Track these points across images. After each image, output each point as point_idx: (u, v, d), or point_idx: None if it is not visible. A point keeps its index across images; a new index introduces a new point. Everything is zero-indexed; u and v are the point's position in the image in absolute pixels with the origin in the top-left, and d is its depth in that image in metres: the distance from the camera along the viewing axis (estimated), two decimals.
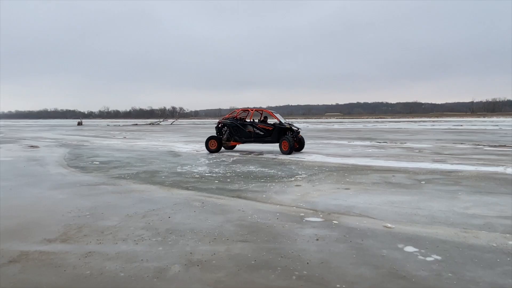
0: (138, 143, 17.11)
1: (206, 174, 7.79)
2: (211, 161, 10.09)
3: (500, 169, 8.05)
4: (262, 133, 12.22)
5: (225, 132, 12.68)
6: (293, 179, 7.20)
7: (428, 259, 3.20)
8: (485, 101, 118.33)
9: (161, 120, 67.16)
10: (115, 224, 4.27)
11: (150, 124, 56.90)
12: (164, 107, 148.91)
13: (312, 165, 9.15)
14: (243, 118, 13.03)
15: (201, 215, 4.60)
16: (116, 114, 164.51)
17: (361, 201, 5.29)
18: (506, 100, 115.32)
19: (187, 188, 6.32)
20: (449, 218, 4.40)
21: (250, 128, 12.42)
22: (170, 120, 68.62)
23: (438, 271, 2.95)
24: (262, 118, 12.99)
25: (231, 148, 13.37)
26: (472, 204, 5.09)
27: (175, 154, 12.01)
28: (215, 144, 12.66)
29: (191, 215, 4.63)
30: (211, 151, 12.51)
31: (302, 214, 4.63)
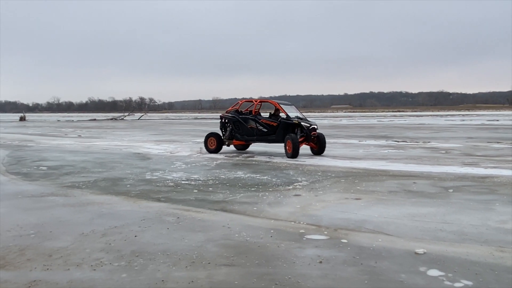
0: (96, 143, 16.99)
1: (183, 182, 7.77)
2: (189, 165, 10.07)
3: None
4: (265, 130, 11.99)
5: (227, 129, 12.66)
6: (291, 187, 7.22)
7: (457, 285, 3.23)
8: None
9: (126, 114, 66.79)
10: (67, 245, 4.23)
11: (112, 119, 56.56)
12: (130, 98, 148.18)
13: (314, 169, 9.19)
14: (251, 112, 12.87)
15: (176, 233, 4.58)
16: (68, 107, 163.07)
17: (375, 214, 5.33)
18: None
19: (158, 200, 6.30)
20: (483, 235, 4.46)
21: (252, 124, 12.17)
22: (138, 114, 68.31)
23: None
24: (274, 112, 12.60)
25: (243, 148, 13.35)
26: (510, 217, 5.17)
27: (144, 157, 11.95)
28: (214, 142, 12.57)
29: (163, 233, 4.61)
30: (209, 151, 12.56)
31: (302, 231, 4.65)
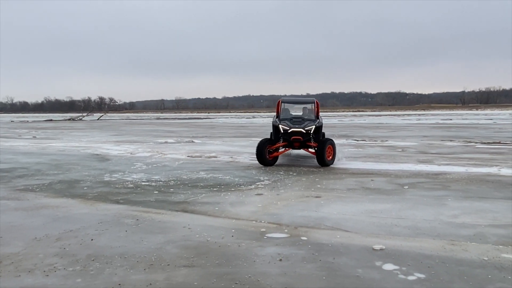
0: (53, 145, 16.36)
1: (143, 183, 7.62)
2: (150, 166, 9.89)
3: (493, 170, 8.65)
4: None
5: None
6: (253, 186, 7.24)
7: (410, 278, 3.35)
8: (477, 90, 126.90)
9: (85, 114, 64.82)
10: (19, 250, 4.04)
11: (70, 119, 54.71)
12: (89, 98, 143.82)
13: (276, 168, 9.27)
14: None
15: (135, 236, 4.48)
16: (23, 107, 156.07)
17: (334, 212, 5.43)
18: (501, 89, 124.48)
19: (117, 202, 6.14)
20: (435, 229, 4.65)
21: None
22: (97, 115, 66.40)
23: None
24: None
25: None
26: (461, 211, 5.42)
27: (103, 158, 11.62)
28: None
29: (121, 235, 4.50)
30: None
31: (263, 230, 4.67)
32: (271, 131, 10.52)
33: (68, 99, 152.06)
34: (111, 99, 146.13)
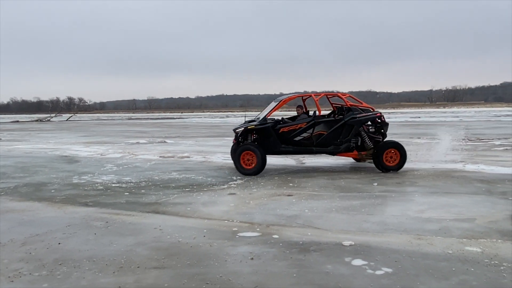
0: (19, 147, 15.85)
1: (113, 185, 7.50)
2: (120, 167, 9.73)
3: (458, 166, 8.95)
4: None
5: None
6: (225, 186, 7.25)
7: (378, 272, 3.44)
8: (444, 89, 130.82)
9: (53, 115, 63.09)
10: None
11: (37, 120, 53.11)
12: (58, 98, 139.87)
13: None
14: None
15: (104, 238, 4.41)
16: None
17: (305, 209, 5.51)
18: (467, 88, 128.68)
19: (86, 204, 6.03)
20: (403, 224, 4.79)
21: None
22: (66, 115, 64.78)
23: (388, 286, 3.19)
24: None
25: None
26: (427, 206, 5.59)
27: (71, 160, 11.36)
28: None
29: (90, 238, 4.42)
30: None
31: (235, 229, 4.69)
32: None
33: (35, 100, 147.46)
34: (80, 99, 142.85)
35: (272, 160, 10.54)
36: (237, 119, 45.86)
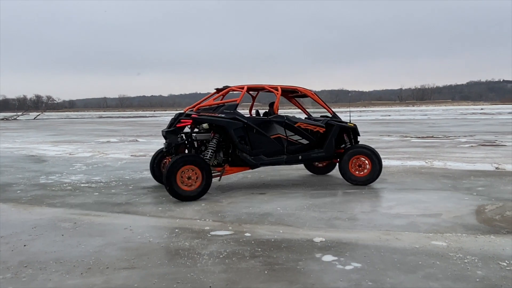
0: None
1: (82, 185, 7.33)
2: (90, 166, 9.53)
3: (426, 163, 9.20)
4: (305, 140, 6.97)
5: (209, 147, 6.60)
6: None
7: (348, 267, 3.50)
8: (413, 88, 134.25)
9: (20, 113, 61.09)
10: None
11: (3, 119, 51.31)
12: (24, 96, 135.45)
13: None
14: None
15: (72, 240, 4.31)
16: None
17: (277, 207, 5.54)
18: (435, 87, 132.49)
19: (53, 205, 5.87)
20: (372, 220, 4.88)
21: (281, 132, 6.86)
22: (34, 114, 62.85)
23: (357, 281, 3.25)
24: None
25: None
26: (396, 203, 5.72)
27: (39, 160, 11.03)
28: (198, 176, 6.10)
29: (57, 240, 4.31)
30: (181, 197, 6.04)
31: (208, 228, 4.68)
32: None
33: (1, 98, 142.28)
34: (48, 97, 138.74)
35: None
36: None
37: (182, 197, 5.96)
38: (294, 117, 7.06)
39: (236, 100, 6.76)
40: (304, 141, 6.92)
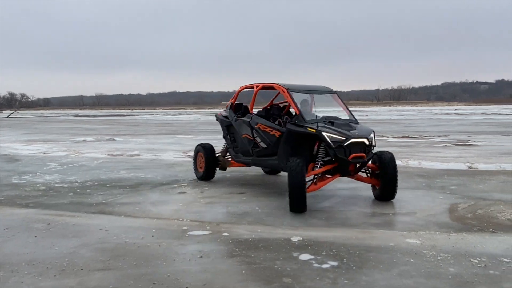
0: None
1: (57, 185, 7.17)
2: (65, 166, 9.33)
3: (402, 162, 9.37)
4: (264, 144, 6.35)
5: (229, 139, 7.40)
6: (176, 185, 7.14)
7: (324, 266, 3.54)
8: (390, 88, 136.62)
9: None
10: None
11: None
12: None
13: None
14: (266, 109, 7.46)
15: (45, 241, 4.22)
16: None
17: (256, 207, 5.55)
18: (411, 87, 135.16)
19: (26, 206, 5.73)
20: (348, 219, 4.95)
21: (248, 132, 6.65)
22: (7, 112, 61.13)
23: (333, 279, 3.29)
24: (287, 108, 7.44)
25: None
26: (372, 201, 5.81)
27: (11, 159, 10.74)
28: (202, 162, 7.40)
29: (30, 241, 4.21)
30: (199, 176, 7.49)
31: (185, 228, 4.64)
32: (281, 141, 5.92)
33: None
34: (23, 95, 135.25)
35: None
36: (190, 116, 45.42)
37: None
38: (259, 117, 6.65)
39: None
40: (263, 144, 6.34)
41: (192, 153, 11.32)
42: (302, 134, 5.63)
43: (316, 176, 5.53)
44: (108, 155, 11.37)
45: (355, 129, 5.52)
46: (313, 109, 6.45)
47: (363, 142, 5.38)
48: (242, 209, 5.44)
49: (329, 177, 5.61)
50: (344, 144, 5.26)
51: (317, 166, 5.51)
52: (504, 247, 3.96)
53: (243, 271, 3.45)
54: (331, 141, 5.29)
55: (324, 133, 5.32)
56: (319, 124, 5.44)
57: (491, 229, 4.50)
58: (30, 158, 10.78)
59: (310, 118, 5.74)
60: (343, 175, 5.64)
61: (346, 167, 5.45)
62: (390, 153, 5.85)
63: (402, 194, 6.18)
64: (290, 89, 6.21)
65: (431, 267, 3.52)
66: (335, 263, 3.58)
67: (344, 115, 6.15)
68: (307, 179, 5.29)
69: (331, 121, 5.65)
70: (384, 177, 5.63)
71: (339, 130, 5.40)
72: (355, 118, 6.10)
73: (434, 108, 68.11)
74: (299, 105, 6.01)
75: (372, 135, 5.52)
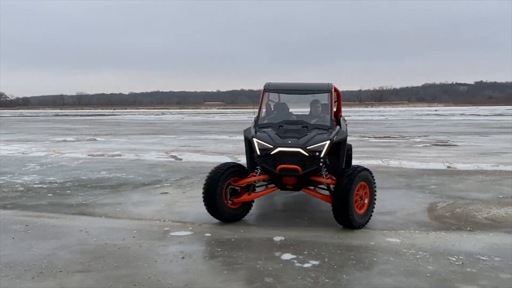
0: None
1: (35, 186, 7.04)
2: (44, 166, 9.16)
3: (382, 162, 9.50)
4: None
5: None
6: (158, 185, 7.09)
7: (306, 265, 3.56)
8: (372, 89, 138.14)
9: None
10: None
11: None
12: None
13: (184, 166, 9.16)
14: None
15: (23, 243, 4.14)
16: None
17: None
18: (392, 88, 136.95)
19: (4, 207, 5.61)
20: (330, 219, 4.96)
21: None
22: None
23: (315, 278, 3.32)
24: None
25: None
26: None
27: None
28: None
29: (7, 243, 4.13)
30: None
31: (167, 229, 4.61)
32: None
33: None
34: (1, 94, 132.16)
35: (208, 158, 10.47)
36: (173, 116, 45.09)
37: None
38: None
39: None
40: None
41: (175, 153, 11.35)
42: (246, 139, 5.29)
43: (253, 185, 4.92)
44: (88, 155, 11.20)
45: (299, 137, 4.72)
46: (293, 110, 5.93)
47: (298, 153, 4.59)
48: None
49: (268, 189, 5.03)
50: (271, 153, 4.66)
51: (255, 175, 4.94)
52: (481, 245, 4.05)
53: (225, 271, 3.45)
54: (259, 149, 4.77)
55: (254, 139, 4.84)
56: (258, 129, 5.00)
57: (469, 228, 4.60)
58: (8, 159, 10.55)
59: (273, 121, 5.27)
60: (280, 188, 4.94)
61: (276, 179, 4.79)
62: (358, 169, 4.76)
63: (382, 194, 6.25)
64: (267, 89, 5.62)
65: (410, 265, 3.57)
66: (316, 263, 3.61)
67: (325, 118, 5.36)
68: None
69: (281, 125, 4.97)
70: (334, 196, 4.60)
71: (272, 136, 4.80)
72: (330, 123, 5.08)
73: (415, 108, 69.16)
74: (265, 107, 5.63)
75: (320, 145, 4.63)
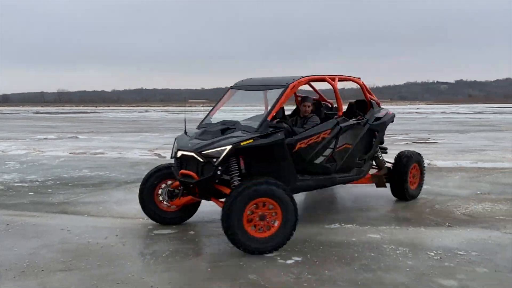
0: None
1: (16, 184, 6.93)
2: (24, 165, 9.01)
3: None
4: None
5: None
6: None
7: (289, 261, 3.61)
8: (356, 88, 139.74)
9: None
10: None
11: None
12: None
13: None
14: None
15: (4, 242, 4.09)
16: None
17: None
18: (375, 87, 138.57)
19: None
20: (312, 215, 5.06)
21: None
22: None
23: (297, 274, 3.36)
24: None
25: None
26: (335, 198, 5.97)
27: None
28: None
29: None
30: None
31: (150, 227, 4.61)
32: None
33: None
34: None
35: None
36: (157, 113, 44.75)
37: None
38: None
39: None
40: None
41: (159, 151, 11.28)
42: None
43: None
44: (70, 153, 11.06)
45: (204, 140, 4.21)
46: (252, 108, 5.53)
47: (193, 157, 4.10)
48: (209, 207, 5.40)
49: (189, 197, 4.53)
50: (177, 156, 4.34)
51: None
52: (459, 240, 4.16)
53: (209, 269, 3.47)
54: (172, 150, 4.50)
55: (175, 141, 4.57)
56: (190, 130, 4.66)
57: (447, 224, 4.71)
58: None
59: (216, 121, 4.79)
60: (193, 196, 4.44)
61: (183, 184, 4.34)
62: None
63: (364, 191, 6.35)
64: (233, 86, 5.23)
65: (390, 260, 3.66)
66: (299, 259, 3.66)
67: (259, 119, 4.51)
68: None
69: (207, 126, 4.61)
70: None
71: (183, 138, 4.52)
72: (259, 125, 4.22)
73: (397, 107, 69.98)
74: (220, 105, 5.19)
75: (216, 150, 4.00)
